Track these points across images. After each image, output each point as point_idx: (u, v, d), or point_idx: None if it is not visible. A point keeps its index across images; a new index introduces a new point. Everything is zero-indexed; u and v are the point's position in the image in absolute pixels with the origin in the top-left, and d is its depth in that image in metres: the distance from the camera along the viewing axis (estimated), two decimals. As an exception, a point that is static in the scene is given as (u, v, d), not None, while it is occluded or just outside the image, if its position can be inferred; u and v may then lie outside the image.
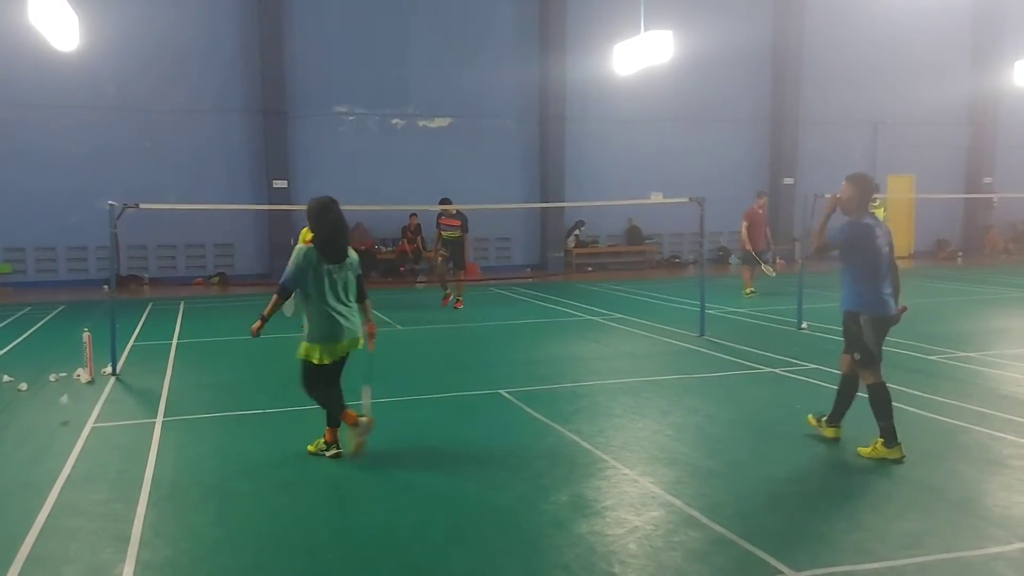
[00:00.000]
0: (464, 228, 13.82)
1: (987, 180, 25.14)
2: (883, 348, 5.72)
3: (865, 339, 5.67)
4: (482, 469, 5.63)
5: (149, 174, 18.28)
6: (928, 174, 24.12)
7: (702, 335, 10.70)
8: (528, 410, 7.04)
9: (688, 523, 4.55)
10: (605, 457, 5.74)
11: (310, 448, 5.91)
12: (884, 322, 5.69)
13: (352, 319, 5.79)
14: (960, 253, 23.75)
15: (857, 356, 5.74)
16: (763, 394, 7.70)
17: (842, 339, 5.94)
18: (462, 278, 14.17)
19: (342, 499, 5.09)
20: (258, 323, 5.71)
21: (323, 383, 5.80)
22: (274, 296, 5.69)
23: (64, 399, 7.59)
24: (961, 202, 25.21)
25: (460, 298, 14.16)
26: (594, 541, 4.36)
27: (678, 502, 4.85)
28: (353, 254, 5.86)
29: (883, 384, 5.68)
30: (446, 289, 14.29)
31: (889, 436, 5.58)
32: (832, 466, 5.56)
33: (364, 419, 5.80)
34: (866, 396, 5.73)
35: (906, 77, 23.75)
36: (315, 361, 5.69)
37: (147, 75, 18.43)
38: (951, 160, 25.15)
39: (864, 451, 5.69)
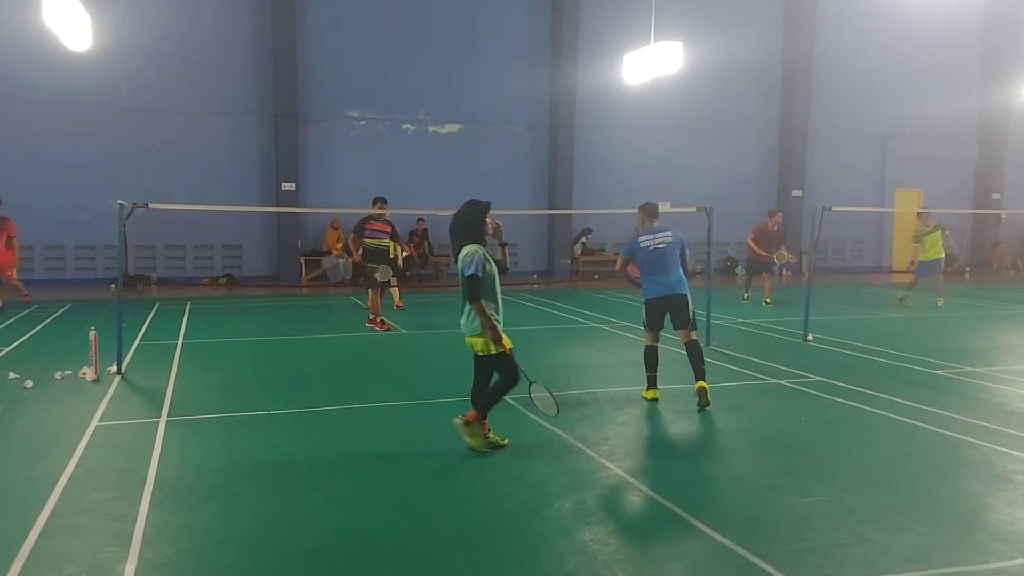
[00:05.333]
0: (394, 236, 12.33)
1: (995, 196, 25.14)
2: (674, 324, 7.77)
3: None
4: (486, 474, 5.61)
5: (159, 174, 18.39)
6: (937, 189, 24.07)
7: (708, 345, 10.66)
8: (533, 416, 7.02)
9: (691, 533, 4.54)
10: (609, 465, 5.73)
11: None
12: (651, 303, 7.64)
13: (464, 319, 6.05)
14: (967, 268, 23.67)
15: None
16: (768, 405, 7.67)
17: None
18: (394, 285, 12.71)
19: (344, 502, 5.08)
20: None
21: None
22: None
23: None
24: (969, 217, 25.14)
25: (378, 313, 12.42)
26: (597, 549, 4.34)
27: (682, 511, 4.83)
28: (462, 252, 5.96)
29: (655, 347, 7.68)
30: (379, 313, 12.33)
31: (652, 383, 7.65)
32: (837, 479, 5.53)
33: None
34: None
35: (916, 91, 23.75)
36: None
37: (159, 76, 18.57)
38: (960, 175, 25.14)
39: (647, 394, 7.63)
